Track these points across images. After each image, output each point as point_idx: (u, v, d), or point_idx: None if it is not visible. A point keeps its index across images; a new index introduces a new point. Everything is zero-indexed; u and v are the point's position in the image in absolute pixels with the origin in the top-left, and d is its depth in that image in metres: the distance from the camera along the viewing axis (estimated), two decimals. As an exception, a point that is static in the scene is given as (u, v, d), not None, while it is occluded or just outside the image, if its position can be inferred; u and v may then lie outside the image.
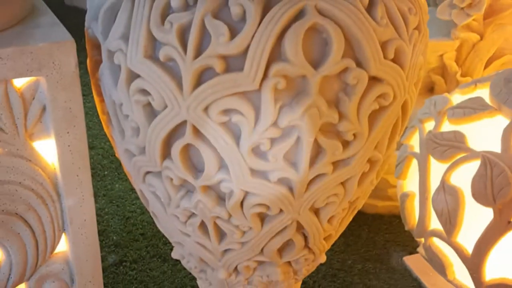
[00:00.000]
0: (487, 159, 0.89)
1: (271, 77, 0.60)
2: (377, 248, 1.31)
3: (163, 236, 1.25)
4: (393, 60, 0.65)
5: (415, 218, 1.07)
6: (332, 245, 1.20)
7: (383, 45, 0.64)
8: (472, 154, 0.93)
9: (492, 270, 0.94)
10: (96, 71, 0.74)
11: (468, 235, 0.95)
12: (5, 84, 0.73)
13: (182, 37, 0.61)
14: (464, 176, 0.93)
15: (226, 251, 0.76)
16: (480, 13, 1.28)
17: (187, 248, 0.80)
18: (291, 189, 0.68)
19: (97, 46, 0.72)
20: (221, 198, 0.69)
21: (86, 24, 0.74)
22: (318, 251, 0.79)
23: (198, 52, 0.61)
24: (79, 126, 0.78)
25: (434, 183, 1.00)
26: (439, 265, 1.02)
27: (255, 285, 0.82)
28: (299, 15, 0.60)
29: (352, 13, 0.61)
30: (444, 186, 0.95)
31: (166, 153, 0.68)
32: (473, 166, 0.92)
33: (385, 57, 0.64)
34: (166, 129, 0.65)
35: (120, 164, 1.35)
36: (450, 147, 0.96)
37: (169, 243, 1.26)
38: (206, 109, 0.62)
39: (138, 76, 0.65)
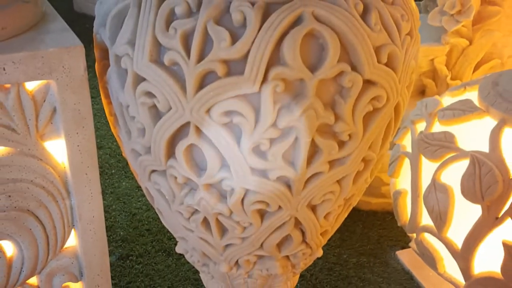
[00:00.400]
0: (476, 158, 0.89)
1: (270, 80, 0.60)
2: (371, 243, 1.31)
3: (168, 231, 1.26)
4: (387, 64, 0.65)
5: (407, 214, 1.07)
6: (328, 240, 1.20)
7: (377, 50, 0.64)
8: (462, 154, 0.93)
9: (480, 264, 0.93)
10: (104, 75, 0.74)
11: (458, 230, 0.95)
12: (18, 87, 0.73)
13: (185, 43, 0.61)
14: (454, 175, 0.93)
15: (227, 245, 0.76)
16: (469, 19, 1.28)
17: (190, 243, 0.80)
18: (289, 187, 0.68)
19: (105, 51, 0.72)
20: (222, 196, 0.69)
21: (94, 30, 0.74)
22: (315, 246, 0.79)
23: (201, 57, 0.61)
24: (87, 127, 0.78)
25: (425, 181, 1.00)
26: (430, 259, 1.02)
27: (255, 278, 0.82)
28: (297, 21, 0.60)
29: (348, 20, 0.61)
30: (435, 184, 0.95)
31: (170, 153, 0.68)
32: (462, 165, 0.92)
33: (378, 61, 0.64)
34: (170, 130, 0.65)
35: (127, 163, 1.35)
36: (441, 147, 0.96)
37: (173, 238, 1.26)
38: (208, 110, 0.62)
39: (144, 79, 0.65)
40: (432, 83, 1.39)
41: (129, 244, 1.29)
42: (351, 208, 0.80)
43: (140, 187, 0.93)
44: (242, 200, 0.69)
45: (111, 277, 0.92)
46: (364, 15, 0.63)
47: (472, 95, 1.02)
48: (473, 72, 1.38)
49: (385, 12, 0.65)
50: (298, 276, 0.91)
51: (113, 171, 1.55)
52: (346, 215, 0.80)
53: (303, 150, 0.64)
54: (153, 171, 0.72)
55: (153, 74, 0.63)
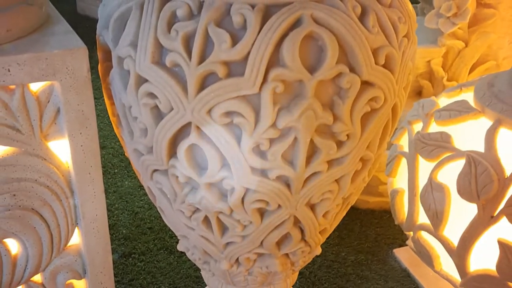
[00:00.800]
0: (472, 158, 0.89)
1: (270, 81, 0.60)
2: (368, 241, 1.31)
3: (169, 230, 1.26)
4: (384, 66, 0.65)
5: (404, 213, 1.07)
6: (327, 238, 1.20)
7: (375, 52, 0.64)
8: (458, 154, 0.93)
9: (476, 262, 0.93)
10: (106, 76, 0.74)
11: (454, 229, 0.95)
12: (22, 88, 0.73)
13: (187, 44, 0.61)
14: (450, 174, 0.93)
15: (228, 243, 0.76)
16: (465, 22, 1.28)
17: (191, 241, 0.80)
18: (288, 186, 0.68)
19: (108, 53, 0.72)
20: (223, 195, 0.69)
21: (97, 32, 0.74)
22: (314, 244, 0.79)
23: (202, 58, 0.61)
24: (91, 127, 0.78)
25: (422, 180, 1.00)
26: (426, 257, 1.02)
27: (255, 275, 0.82)
28: (296, 23, 0.60)
29: (346, 22, 0.61)
30: (432, 183, 0.95)
31: (172, 153, 0.68)
32: (458, 165, 0.92)
33: (376, 63, 0.64)
34: (172, 130, 0.65)
35: (129, 163, 1.35)
36: (437, 146, 0.96)
37: (175, 236, 1.26)
38: (209, 111, 0.62)
39: (146, 80, 0.65)
40: (429, 84, 1.39)
41: (131, 242, 1.29)
42: (349, 207, 0.80)
43: (142, 186, 0.93)
44: (242, 199, 0.68)
45: (114, 274, 0.92)
46: (362, 17, 0.63)
47: (468, 96, 1.02)
48: (469, 73, 1.38)
49: (383, 15, 0.65)
50: (297, 273, 0.91)
51: (115, 170, 1.55)
52: (344, 213, 0.80)
53: (302, 150, 0.64)
54: (155, 170, 0.72)
55: (155, 76, 0.63)
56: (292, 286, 0.92)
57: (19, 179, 0.78)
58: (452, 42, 1.32)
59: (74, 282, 0.90)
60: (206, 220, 0.73)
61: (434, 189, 0.95)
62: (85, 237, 0.85)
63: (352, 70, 0.62)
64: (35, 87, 0.75)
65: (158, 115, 0.66)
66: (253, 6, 0.59)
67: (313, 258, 1.14)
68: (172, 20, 0.62)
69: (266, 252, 0.77)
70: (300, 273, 1.20)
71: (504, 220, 0.88)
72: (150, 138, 0.68)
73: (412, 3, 0.77)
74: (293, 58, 0.59)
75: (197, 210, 0.72)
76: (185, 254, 1.22)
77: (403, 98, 0.73)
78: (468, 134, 0.96)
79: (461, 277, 0.95)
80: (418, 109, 1.06)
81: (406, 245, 1.24)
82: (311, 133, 0.64)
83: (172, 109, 0.64)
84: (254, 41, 0.59)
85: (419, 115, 1.05)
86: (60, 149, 0.79)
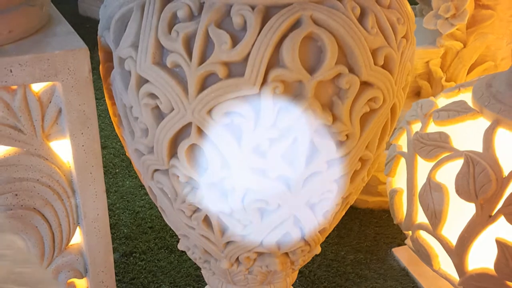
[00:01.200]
0: (470, 158, 0.89)
1: (270, 82, 0.60)
2: (368, 240, 1.31)
3: (170, 229, 1.26)
4: (383, 66, 0.65)
5: (403, 212, 1.07)
6: (327, 238, 1.20)
7: (374, 53, 0.64)
8: (456, 154, 0.93)
9: (474, 261, 0.93)
10: (108, 77, 0.74)
11: (452, 228, 0.95)
12: (24, 88, 0.73)
13: (187, 45, 0.61)
14: (448, 174, 0.93)
15: (228, 243, 0.76)
16: (463, 23, 1.28)
17: (192, 240, 0.80)
18: (288, 186, 0.68)
19: (109, 53, 0.72)
20: (223, 194, 0.69)
21: (98, 32, 0.74)
22: (313, 243, 0.79)
23: (203, 59, 0.61)
24: (92, 127, 0.78)
25: (420, 180, 1.00)
26: (425, 256, 1.02)
27: (255, 274, 0.82)
28: (296, 24, 0.60)
29: (345, 23, 0.61)
30: (430, 183, 0.95)
31: (172, 152, 0.68)
32: (457, 165, 0.92)
33: (375, 64, 0.64)
34: (172, 130, 0.65)
35: (130, 163, 1.35)
36: (436, 146, 0.96)
37: (176, 235, 1.26)
38: (210, 111, 0.62)
39: (147, 81, 0.65)
40: (427, 84, 1.39)
41: (132, 241, 1.29)
42: (348, 206, 0.80)
43: (143, 186, 0.93)
44: (243, 198, 0.68)
45: (115, 273, 0.92)
46: (361, 18, 0.63)
47: (466, 96, 1.02)
48: (467, 74, 1.38)
49: (382, 16, 0.65)
50: (297, 272, 0.91)
51: (117, 170, 1.55)
52: (343, 213, 0.80)
53: (302, 150, 0.64)
54: (156, 170, 0.72)
55: (156, 76, 0.63)
56: (292, 285, 0.92)
57: (21, 178, 0.78)
58: (451, 43, 1.32)
59: (76, 281, 0.90)
60: (207, 219, 0.73)
61: (432, 188, 0.95)
62: (87, 236, 0.85)
63: (351, 70, 0.62)
64: (37, 87, 0.75)
65: (159, 115, 0.66)
66: (253, 7, 0.59)
67: (313, 257, 1.14)
68: (173, 21, 0.62)
69: (266, 251, 0.77)
70: (300, 272, 1.20)
71: (502, 219, 0.88)
72: (151, 138, 0.68)
73: (410, 4, 0.77)
74: (292, 59, 0.59)
75: (197, 209, 0.72)
76: (185, 253, 1.22)
77: (402, 99, 0.73)
78: (467, 134, 0.96)
79: (460, 276, 0.95)
80: (416, 109, 1.06)
81: (405, 245, 1.24)
82: (311, 133, 0.64)
83: (172, 109, 0.64)
84: (254, 42, 0.59)
85: (417, 115, 1.05)
86: (62, 149, 0.79)
